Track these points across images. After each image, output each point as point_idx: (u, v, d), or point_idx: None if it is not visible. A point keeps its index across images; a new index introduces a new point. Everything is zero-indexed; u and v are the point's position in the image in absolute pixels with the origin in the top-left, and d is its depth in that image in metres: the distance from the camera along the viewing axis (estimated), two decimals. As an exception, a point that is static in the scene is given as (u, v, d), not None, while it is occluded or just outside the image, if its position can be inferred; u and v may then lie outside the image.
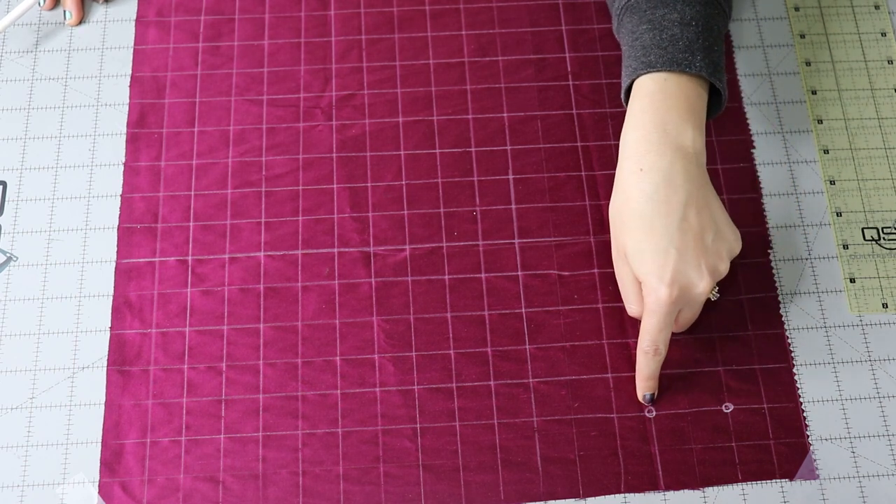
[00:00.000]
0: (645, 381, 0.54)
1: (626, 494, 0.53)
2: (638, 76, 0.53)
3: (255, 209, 0.60)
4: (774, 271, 0.58)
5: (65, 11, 0.65)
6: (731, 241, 0.53)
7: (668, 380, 0.55)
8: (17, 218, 0.60)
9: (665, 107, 0.52)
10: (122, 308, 0.57)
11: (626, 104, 0.54)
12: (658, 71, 0.52)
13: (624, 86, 0.54)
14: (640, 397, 0.55)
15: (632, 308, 0.54)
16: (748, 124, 0.62)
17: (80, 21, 0.65)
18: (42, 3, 0.64)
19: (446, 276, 0.58)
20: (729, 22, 0.57)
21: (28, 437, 0.54)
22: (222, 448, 0.54)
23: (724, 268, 0.52)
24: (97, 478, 0.53)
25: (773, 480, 0.53)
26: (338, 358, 0.56)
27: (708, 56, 0.52)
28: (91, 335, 0.56)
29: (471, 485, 0.53)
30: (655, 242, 0.50)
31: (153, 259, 0.58)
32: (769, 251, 0.59)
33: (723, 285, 0.58)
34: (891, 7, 0.66)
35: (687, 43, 0.52)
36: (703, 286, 0.51)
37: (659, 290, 0.50)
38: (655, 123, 0.51)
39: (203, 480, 0.53)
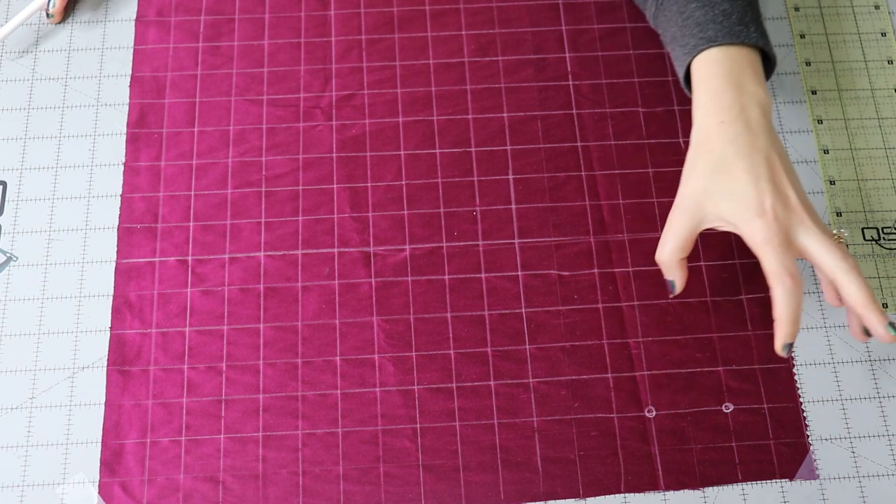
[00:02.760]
0: (790, 324, 0.49)
1: (626, 494, 0.53)
2: (699, 52, 0.54)
3: (255, 209, 0.60)
4: (774, 271, 0.58)
5: (49, 2, 0.64)
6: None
7: (668, 379, 0.55)
8: (17, 218, 0.60)
9: (737, 69, 0.53)
10: (122, 308, 0.57)
11: (685, 83, 0.56)
12: (719, 45, 0.53)
13: (685, 64, 0.55)
14: (778, 349, 0.50)
15: (664, 249, 0.54)
16: (748, 124, 0.62)
17: (61, 18, 0.65)
18: (52, 5, 0.64)
19: (446, 276, 0.58)
20: None
21: (28, 437, 0.54)
22: (222, 448, 0.54)
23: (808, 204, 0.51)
24: (97, 478, 0.53)
25: (773, 480, 0.53)
26: (338, 358, 0.56)
27: (759, 27, 0.55)
28: (91, 335, 0.56)
29: (471, 485, 0.53)
30: (744, 181, 0.51)
31: (153, 259, 0.58)
32: (769, 251, 0.59)
33: (723, 286, 0.58)
34: (891, 7, 0.66)
35: (739, 16, 0.54)
36: (795, 199, 0.50)
37: (755, 221, 0.50)
38: (730, 83, 0.53)
39: (203, 480, 0.53)
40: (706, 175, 0.52)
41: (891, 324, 0.50)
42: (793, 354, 0.56)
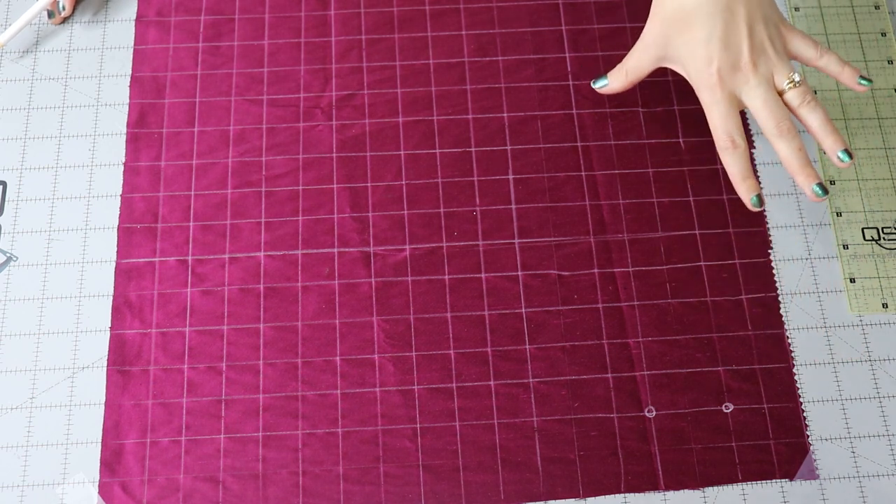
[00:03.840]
0: (742, 181, 0.53)
1: (626, 494, 0.53)
2: None
3: (255, 209, 0.60)
4: (774, 271, 0.58)
5: (59, 3, 0.63)
6: (785, 33, 0.54)
7: (667, 379, 0.55)
8: (17, 218, 0.60)
9: None
10: (122, 308, 0.57)
11: None
12: None
13: None
14: (748, 203, 0.53)
15: (614, 77, 0.58)
16: (748, 124, 0.62)
17: (68, 16, 0.64)
18: (63, 10, 0.63)
19: (446, 276, 0.58)
20: None
21: (28, 437, 0.54)
22: (222, 448, 0.54)
23: (773, 51, 0.52)
24: (97, 478, 0.53)
25: (773, 480, 0.53)
26: (338, 358, 0.56)
27: None
28: (91, 335, 0.56)
29: (471, 485, 0.53)
30: (697, 38, 0.51)
31: (153, 259, 0.58)
32: (769, 251, 0.59)
33: (723, 286, 0.58)
34: (891, 7, 0.66)
35: None
36: (746, 57, 0.51)
37: (702, 83, 0.52)
38: None
39: (203, 480, 0.53)
40: (668, 22, 0.53)
41: (819, 184, 0.53)
42: (793, 354, 0.56)
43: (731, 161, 0.53)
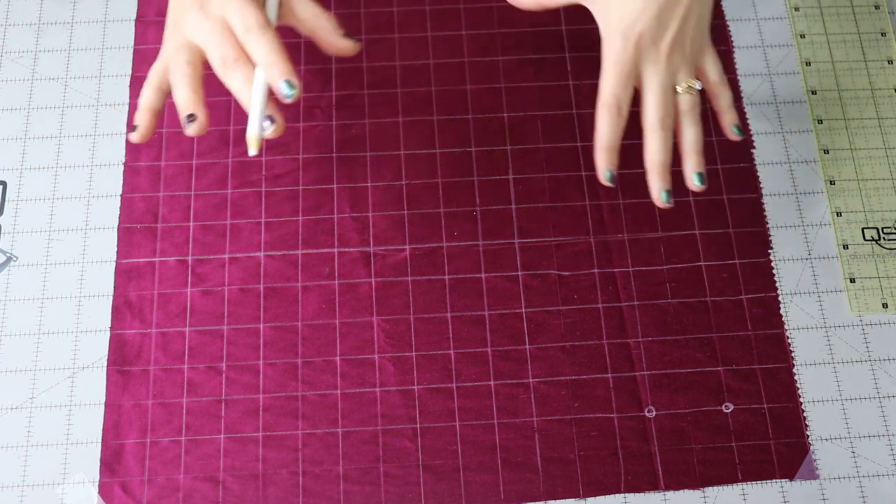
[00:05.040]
0: (606, 151, 0.50)
1: (626, 494, 0.53)
2: None
3: (255, 209, 0.60)
4: (774, 271, 0.58)
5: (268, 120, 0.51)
6: (705, 47, 0.53)
7: (668, 379, 0.55)
8: (17, 218, 0.60)
9: None
10: (122, 308, 0.57)
11: None
12: None
13: None
14: (601, 176, 0.51)
15: None
16: (748, 124, 0.62)
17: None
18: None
19: (446, 276, 0.58)
20: None
21: (28, 437, 0.54)
22: (222, 448, 0.54)
23: (689, 51, 0.51)
24: (97, 478, 0.53)
25: (773, 480, 0.53)
26: (338, 358, 0.56)
27: None
28: (91, 335, 0.56)
29: (471, 485, 0.53)
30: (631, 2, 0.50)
31: (153, 259, 0.58)
32: (769, 251, 0.59)
33: (723, 286, 0.58)
34: (891, 7, 0.66)
35: None
36: (668, 39, 0.50)
37: (616, 38, 0.50)
38: None
39: (203, 480, 0.53)
40: None
41: (667, 191, 0.51)
42: (793, 354, 0.56)
43: (607, 125, 0.50)
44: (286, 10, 0.52)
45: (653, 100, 0.51)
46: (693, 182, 0.52)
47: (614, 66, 0.50)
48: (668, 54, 0.51)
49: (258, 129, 0.49)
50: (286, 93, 0.48)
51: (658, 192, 0.51)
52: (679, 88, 0.51)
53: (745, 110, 0.63)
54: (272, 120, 0.50)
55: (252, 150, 0.49)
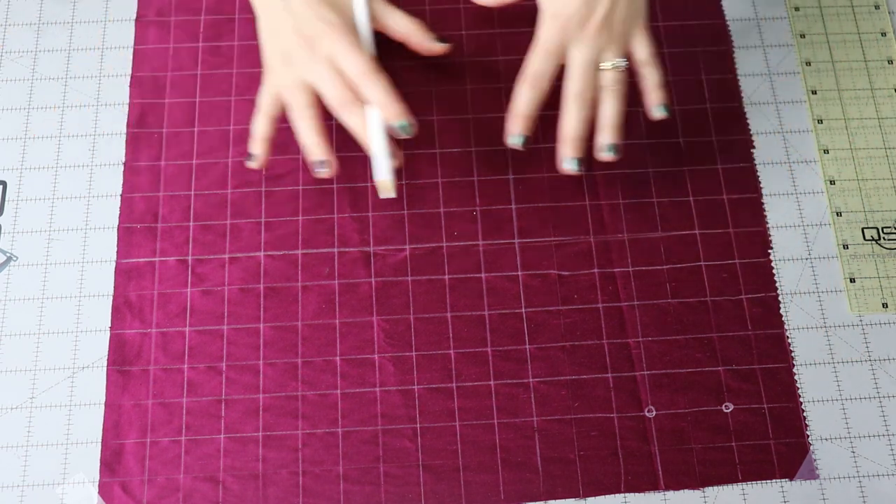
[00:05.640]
0: (519, 118, 0.55)
1: (626, 494, 0.53)
2: None
3: (255, 209, 0.60)
4: (774, 271, 0.58)
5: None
6: (636, 29, 0.56)
7: (668, 379, 0.55)
8: (17, 218, 0.60)
9: None
10: (122, 308, 0.57)
11: None
12: None
13: None
14: (509, 140, 0.55)
15: None
16: (748, 124, 0.62)
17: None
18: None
19: (446, 276, 0.58)
20: None
21: (28, 437, 0.54)
22: (222, 448, 0.54)
23: (619, 31, 0.55)
24: (97, 478, 0.53)
25: (773, 480, 0.53)
26: (338, 358, 0.56)
27: None
28: (91, 335, 0.56)
29: (471, 485, 0.53)
30: None
31: (153, 259, 0.58)
32: (769, 251, 0.59)
33: (723, 286, 0.58)
34: (891, 7, 0.66)
35: None
36: (597, 19, 0.54)
37: (549, 18, 0.55)
38: None
39: (203, 480, 0.53)
40: None
41: (576, 158, 0.55)
42: (793, 354, 0.56)
43: (524, 96, 0.55)
44: (378, 22, 0.59)
45: (573, 74, 0.55)
46: (604, 152, 0.55)
47: (541, 43, 0.55)
48: (595, 35, 0.54)
49: (388, 174, 0.55)
50: (404, 131, 0.54)
51: (565, 159, 0.55)
52: (603, 65, 0.55)
53: (745, 110, 0.63)
54: (393, 157, 0.55)
55: (387, 194, 0.55)
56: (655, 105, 0.56)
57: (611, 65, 0.55)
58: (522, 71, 0.55)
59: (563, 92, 0.55)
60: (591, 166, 0.61)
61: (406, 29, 0.60)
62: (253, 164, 0.57)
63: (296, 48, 0.54)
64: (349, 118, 0.54)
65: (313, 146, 0.55)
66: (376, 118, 0.54)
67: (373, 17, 0.58)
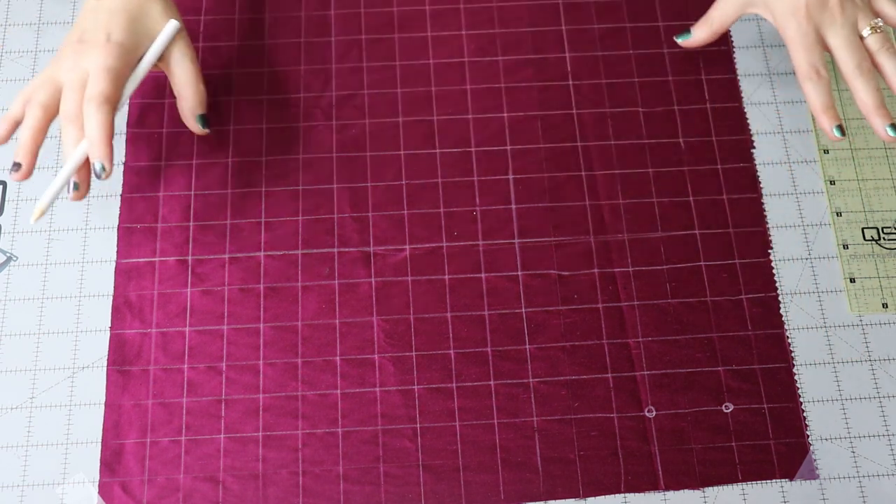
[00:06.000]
0: (824, 112, 0.55)
1: (626, 494, 0.53)
2: None
3: (255, 209, 0.60)
4: (774, 271, 0.58)
5: (73, 183, 0.54)
6: None
7: (668, 379, 0.55)
8: (17, 218, 0.60)
9: None
10: (122, 308, 0.57)
11: None
12: None
13: None
14: (830, 132, 0.55)
15: (699, 29, 0.62)
16: (748, 124, 0.62)
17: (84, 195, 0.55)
18: (70, 192, 0.55)
19: (446, 276, 0.58)
20: None
21: (28, 437, 0.54)
22: (222, 448, 0.54)
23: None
24: (97, 478, 0.53)
25: (773, 480, 0.53)
26: (338, 358, 0.56)
27: None
28: (91, 335, 0.56)
29: (471, 485, 0.53)
30: None
31: (153, 259, 0.58)
32: (769, 251, 0.59)
33: (723, 286, 0.58)
34: (891, 7, 0.66)
35: None
36: (834, 2, 0.55)
37: (789, 19, 0.56)
38: None
39: (203, 480, 0.53)
40: None
41: (893, 125, 0.55)
42: (793, 354, 0.56)
43: (814, 91, 0.55)
44: (167, 65, 0.57)
45: (843, 55, 0.55)
46: None
47: (798, 42, 0.56)
48: (841, 10, 0.55)
49: (48, 202, 0.53)
50: (97, 173, 0.51)
51: (882, 128, 0.55)
52: (864, 32, 0.56)
53: (745, 110, 0.63)
54: (76, 186, 0.53)
55: (33, 219, 0.52)
56: None
57: (869, 28, 0.56)
58: (797, 74, 0.56)
59: (843, 75, 0.56)
60: (592, 166, 0.61)
61: (183, 89, 0.57)
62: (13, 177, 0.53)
63: (69, 49, 0.54)
64: (64, 133, 0.53)
65: (20, 144, 0.52)
66: (81, 148, 0.52)
67: (164, 58, 0.56)
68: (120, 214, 0.60)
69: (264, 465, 0.54)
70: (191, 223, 0.59)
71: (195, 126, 0.57)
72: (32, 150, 0.53)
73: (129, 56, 0.54)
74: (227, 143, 0.61)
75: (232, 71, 0.64)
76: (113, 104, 0.52)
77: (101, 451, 0.54)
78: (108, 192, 0.60)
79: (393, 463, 0.54)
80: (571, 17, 0.66)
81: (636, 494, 0.53)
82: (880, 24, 0.56)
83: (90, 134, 0.51)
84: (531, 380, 0.55)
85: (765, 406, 0.55)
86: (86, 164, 0.53)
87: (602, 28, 0.65)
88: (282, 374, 0.55)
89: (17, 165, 0.52)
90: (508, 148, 0.61)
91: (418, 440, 0.54)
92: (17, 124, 0.54)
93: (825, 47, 0.56)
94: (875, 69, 0.56)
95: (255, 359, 0.56)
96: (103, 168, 0.51)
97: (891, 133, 0.55)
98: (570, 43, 0.65)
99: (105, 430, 0.54)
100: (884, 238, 0.59)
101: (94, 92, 0.52)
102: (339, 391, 0.55)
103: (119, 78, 0.53)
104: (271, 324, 0.57)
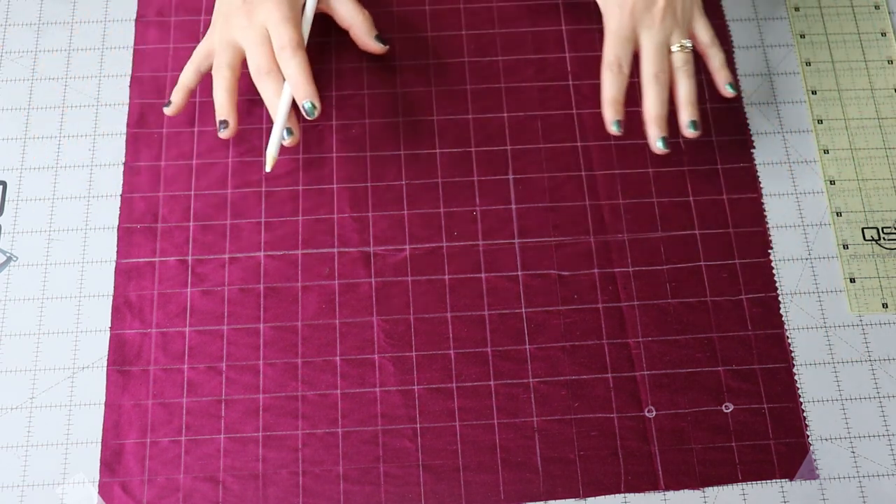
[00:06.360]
0: (611, 104, 0.57)
1: (626, 494, 0.53)
2: None
3: (255, 209, 0.60)
4: (774, 271, 0.58)
5: (286, 130, 0.57)
6: (696, 12, 0.59)
7: (668, 379, 0.55)
8: (17, 218, 0.60)
9: None
10: (122, 308, 0.57)
11: None
12: None
13: None
14: (609, 126, 0.57)
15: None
16: (748, 124, 0.62)
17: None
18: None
19: (446, 276, 0.58)
20: None
21: (28, 437, 0.54)
22: (222, 448, 0.54)
23: (681, 16, 0.58)
24: (97, 478, 0.53)
25: (773, 480, 0.53)
26: (338, 358, 0.56)
27: None
28: (91, 335, 0.56)
29: (471, 485, 0.53)
30: None
31: (153, 259, 0.58)
32: (769, 251, 0.59)
33: (723, 286, 0.58)
34: (891, 7, 0.66)
35: None
36: (660, 5, 0.57)
37: (613, 9, 0.58)
38: None
39: (203, 480, 0.53)
40: None
41: (664, 138, 0.57)
42: (793, 354, 0.56)
43: (610, 82, 0.57)
44: (328, 5, 0.61)
45: (648, 57, 0.57)
46: (687, 130, 0.57)
47: (614, 32, 0.58)
48: (661, 18, 0.57)
49: (276, 150, 0.55)
50: (307, 112, 0.55)
51: (654, 139, 0.57)
52: (673, 48, 0.58)
53: (745, 110, 0.63)
54: (290, 132, 0.56)
55: (268, 167, 0.55)
56: (723, 83, 0.59)
57: (678, 46, 0.58)
58: (603, 61, 0.58)
59: (641, 76, 0.57)
60: (592, 166, 0.61)
61: (352, 19, 0.61)
62: (168, 111, 0.59)
63: (236, 11, 0.57)
64: (262, 86, 0.56)
65: (219, 105, 0.57)
66: (287, 93, 0.55)
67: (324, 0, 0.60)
68: (120, 214, 0.60)
69: (264, 465, 0.54)
70: (191, 223, 0.59)
71: (375, 46, 0.61)
72: (233, 106, 0.57)
73: (296, 2, 0.57)
74: (227, 142, 0.61)
75: (232, 71, 0.63)
76: (303, 48, 0.56)
77: (101, 451, 0.54)
78: (109, 192, 0.60)
79: (393, 463, 0.54)
80: (571, 17, 0.66)
81: (636, 494, 0.53)
82: (689, 45, 0.58)
83: (293, 78, 0.55)
84: (531, 380, 0.55)
85: (765, 406, 0.55)
86: (293, 110, 0.57)
87: (602, 28, 0.65)
88: (282, 374, 0.55)
89: (224, 123, 0.56)
90: (508, 148, 0.61)
91: (418, 440, 0.54)
92: (190, 92, 0.59)
93: (636, 46, 0.58)
94: (669, 83, 0.57)
95: (255, 359, 0.56)
96: (313, 105, 0.55)
97: (660, 146, 0.57)
98: (570, 43, 0.65)
99: (105, 430, 0.54)
100: (884, 238, 0.59)
101: (284, 41, 0.55)
102: (339, 391, 0.55)
103: (297, 24, 0.57)
104: (271, 324, 0.57)
